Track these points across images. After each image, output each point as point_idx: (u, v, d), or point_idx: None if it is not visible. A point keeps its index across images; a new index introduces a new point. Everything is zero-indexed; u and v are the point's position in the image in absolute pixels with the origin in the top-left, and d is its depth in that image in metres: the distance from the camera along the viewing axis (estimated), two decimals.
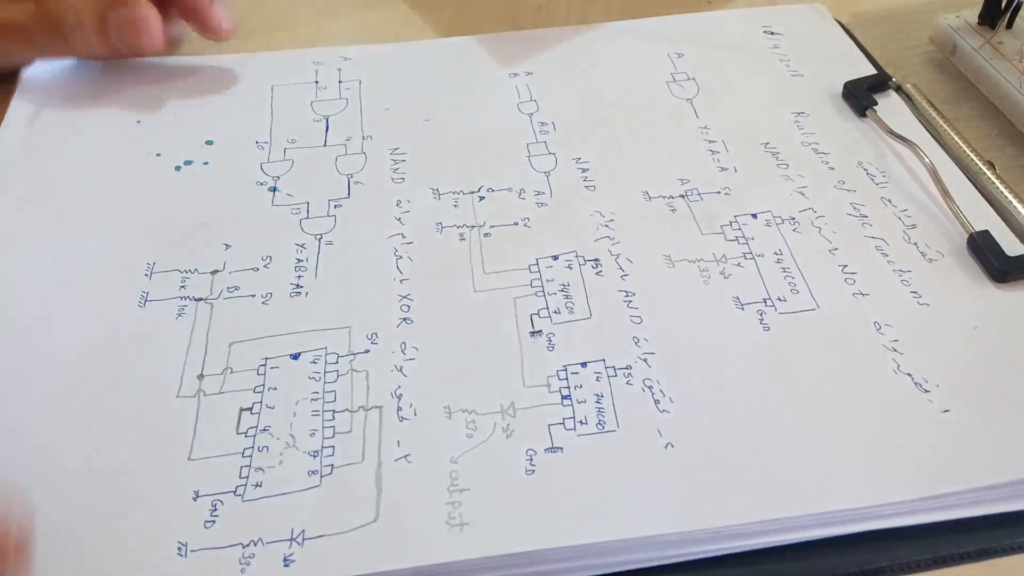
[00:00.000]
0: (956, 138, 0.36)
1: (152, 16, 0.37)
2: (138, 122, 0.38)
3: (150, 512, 0.24)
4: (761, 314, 0.30)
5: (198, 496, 0.25)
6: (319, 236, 0.33)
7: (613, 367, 0.28)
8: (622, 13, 0.45)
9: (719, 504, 0.24)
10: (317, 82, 0.40)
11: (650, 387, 0.27)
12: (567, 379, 0.28)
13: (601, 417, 0.27)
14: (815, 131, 0.38)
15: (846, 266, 0.32)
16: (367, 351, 0.29)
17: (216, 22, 0.39)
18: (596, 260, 0.32)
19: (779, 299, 0.30)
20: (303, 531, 0.24)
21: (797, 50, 0.42)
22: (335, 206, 0.34)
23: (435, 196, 0.35)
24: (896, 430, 0.26)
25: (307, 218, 0.34)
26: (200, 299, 0.30)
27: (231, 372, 0.28)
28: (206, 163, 0.36)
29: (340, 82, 0.40)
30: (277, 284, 0.31)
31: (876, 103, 0.38)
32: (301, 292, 0.31)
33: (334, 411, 0.27)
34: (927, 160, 0.35)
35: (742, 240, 0.33)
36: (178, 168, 0.36)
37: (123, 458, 0.26)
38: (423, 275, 0.31)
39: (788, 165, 0.36)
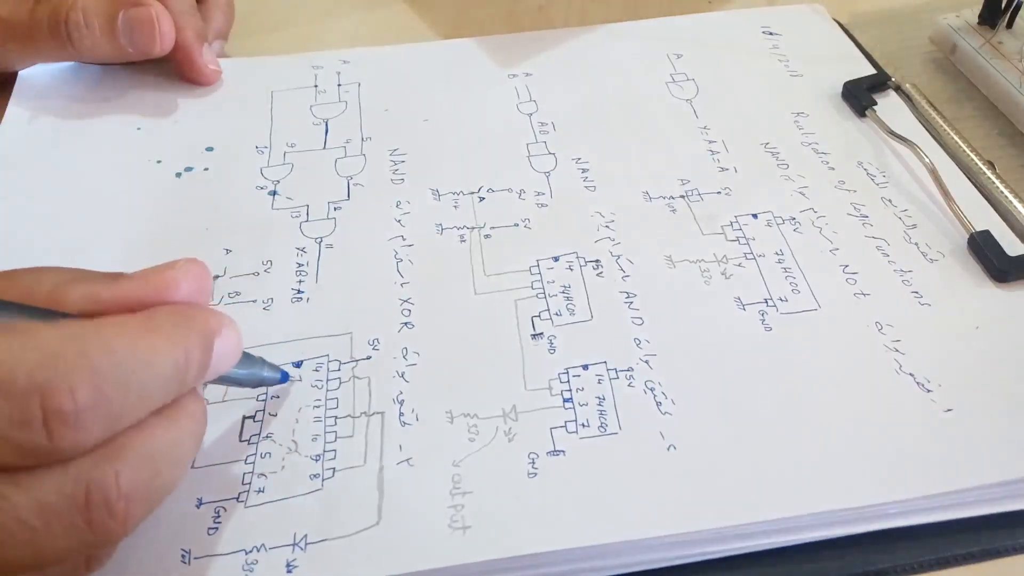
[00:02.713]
0: (956, 138, 0.36)
1: (164, 16, 0.37)
2: (138, 128, 0.38)
3: (154, 520, 0.24)
4: (762, 314, 0.30)
5: (201, 503, 0.25)
6: (319, 239, 0.33)
7: (615, 369, 0.28)
8: (622, 14, 0.45)
9: (722, 505, 0.24)
10: (316, 86, 0.40)
11: (652, 389, 0.27)
12: (568, 381, 0.28)
13: (603, 419, 0.27)
14: (815, 131, 0.38)
15: (847, 266, 0.32)
16: (368, 357, 0.29)
17: (203, 65, 0.39)
18: (597, 261, 0.32)
19: (780, 299, 0.30)
20: (305, 536, 0.24)
21: (796, 50, 0.42)
22: (335, 208, 0.34)
23: (435, 197, 0.35)
24: (899, 430, 0.26)
25: (307, 221, 0.34)
26: None
27: None
28: (206, 169, 0.36)
29: (339, 85, 0.40)
30: (278, 289, 0.31)
31: (876, 103, 0.38)
32: (302, 297, 0.31)
33: (336, 417, 0.27)
34: (927, 160, 0.35)
35: (743, 240, 0.33)
36: (179, 175, 0.36)
37: None
38: (423, 278, 0.31)
39: (788, 165, 0.36)
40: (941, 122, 0.37)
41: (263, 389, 0.27)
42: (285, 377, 0.27)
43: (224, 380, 0.24)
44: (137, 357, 0.19)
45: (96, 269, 0.31)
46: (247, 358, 0.25)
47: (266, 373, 0.26)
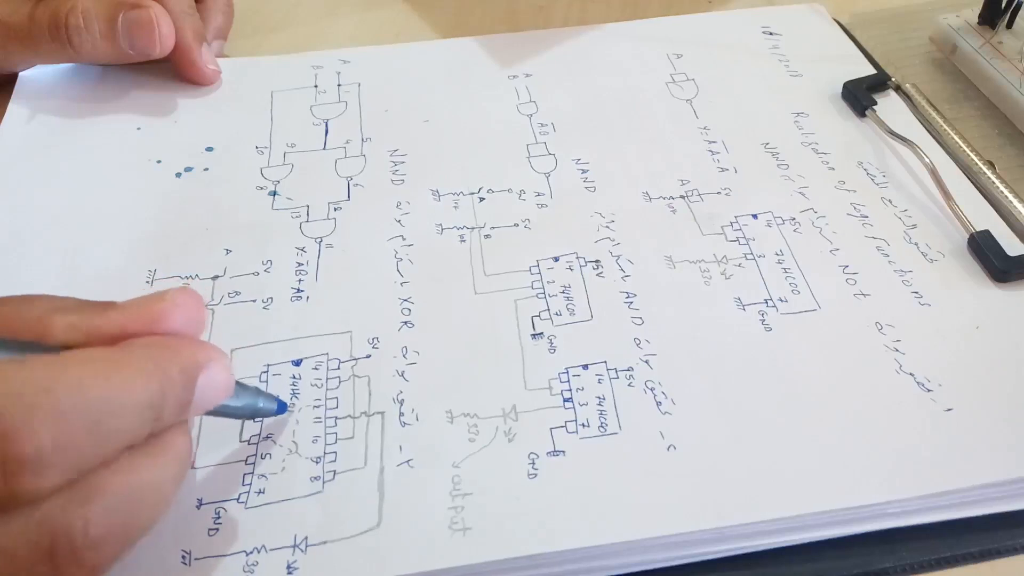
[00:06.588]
0: (956, 138, 0.36)
1: (164, 18, 0.37)
2: (138, 128, 0.38)
3: None
4: (762, 315, 0.30)
5: (201, 504, 0.25)
6: (319, 239, 0.33)
7: (615, 369, 0.28)
8: (621, 14, 0.45)
9: (722, 505, 0.24)
10: (316, 86, 0.40)
11: (652, 389, 0.27)
12: (569, 381, 0.28)
13: (603, 419, 0.27)
14: (815, 131, 0.38)
15: (847, 266, 0.32)
16: (368, 356, 0.29)
17: (202, 65, 0.39)
18: (597, 261, 0.32)
19: (780, 300, 0.30)
20: (306, 538, 0.24)
21: (796, 50, 0.42)
22: (335, 209, 0.34)
23: (435, 198, 0.35)
24: (899, 429, 0.26)
25: (307, 221, 0.34)
26: None
27: None
28: (206, 169, 0.36)
29: (339, 85, 0.40)
30: (278, 289, 0.31)
31: (876, 103, 0.38)
32: (302, 296, 0.31)
33: (336, 417, 0.27)
34: (927, 160, 0.35)
35: (743, 241, 0.33)
36: (179, 175, 0.36)
37: None
38: (424, 277, 0.31)
39: (788, 165, 0.36)
40: (941, 122, 0.37)
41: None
42: (283, 408, 0.27)
43: (216, 412, 0.24)
44: (107, 394, 0.19)
45: (97, 270, 0.31)
46: (241, 389, 0.24)
47: (262, 404, 0.25)
